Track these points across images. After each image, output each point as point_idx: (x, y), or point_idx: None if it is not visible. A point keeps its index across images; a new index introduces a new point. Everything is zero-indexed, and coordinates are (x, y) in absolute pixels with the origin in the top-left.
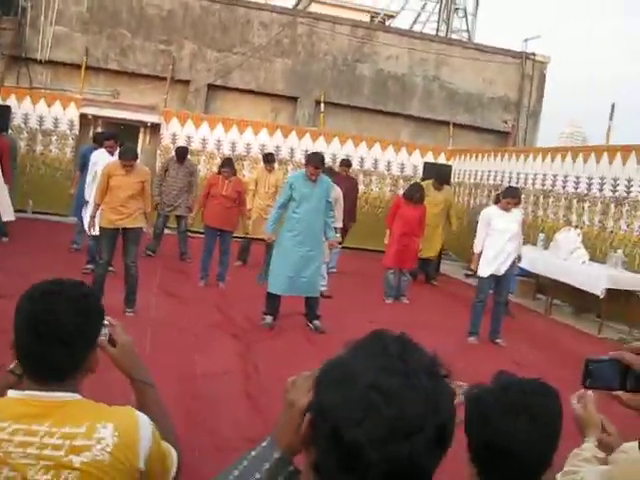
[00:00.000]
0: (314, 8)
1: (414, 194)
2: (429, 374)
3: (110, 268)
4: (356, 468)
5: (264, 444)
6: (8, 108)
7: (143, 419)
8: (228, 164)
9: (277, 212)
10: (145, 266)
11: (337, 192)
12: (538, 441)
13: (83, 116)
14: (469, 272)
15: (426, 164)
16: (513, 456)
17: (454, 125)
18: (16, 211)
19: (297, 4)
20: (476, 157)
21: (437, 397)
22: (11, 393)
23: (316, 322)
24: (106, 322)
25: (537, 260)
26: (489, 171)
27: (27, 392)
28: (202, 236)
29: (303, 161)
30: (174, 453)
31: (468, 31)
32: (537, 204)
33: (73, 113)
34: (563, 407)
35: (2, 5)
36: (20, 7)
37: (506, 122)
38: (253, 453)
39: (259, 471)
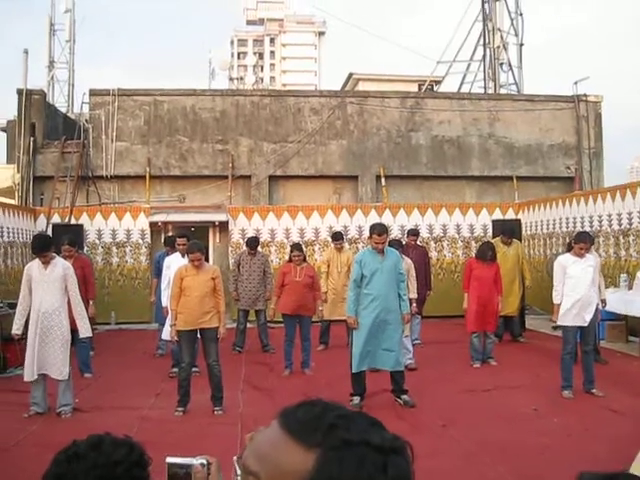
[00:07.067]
0: (361, 87)
1: (485, 253)
2: None
3: (194, 369)
4: None
5: None
6: (81, 227)
7: None
8: (297, 247)
9: (353, 292)
10: (229, 361)
11: (407, 263)
12: None
13: (153, 224)
14: (555, 324)
15: (495, 222)
16: None
17: (517, 178)
18: (100, 324)
19: (344, 86)
20: (544, 207)
21: None
22: None
23: (404, 397)
24: (203, 461)
25: (623, 301)
26: (560, 219)
27: None
28: (282, 325)
29: None
30: None
31: (516, 83)
32: (618, 244)
33: (143, 222)
34: None
35: (66, 131)
36: (82, 130)
37: (569, 167)
38: None
39: None
